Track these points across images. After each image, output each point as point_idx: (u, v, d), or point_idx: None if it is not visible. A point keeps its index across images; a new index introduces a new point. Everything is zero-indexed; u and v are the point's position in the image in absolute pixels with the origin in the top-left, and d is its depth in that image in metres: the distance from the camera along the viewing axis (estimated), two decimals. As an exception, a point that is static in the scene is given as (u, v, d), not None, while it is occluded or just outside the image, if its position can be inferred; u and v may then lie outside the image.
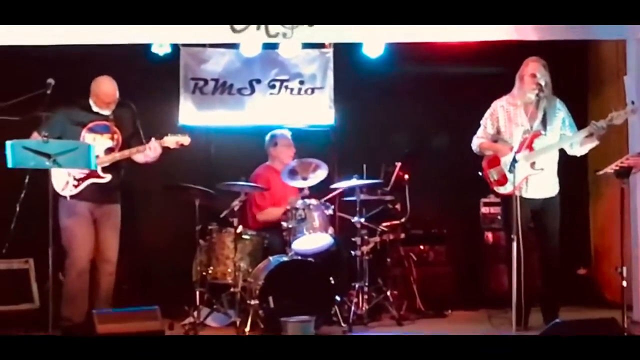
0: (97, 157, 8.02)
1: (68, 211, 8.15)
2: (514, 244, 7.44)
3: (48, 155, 7.21)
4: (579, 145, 8.09)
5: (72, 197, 8.12)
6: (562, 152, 8.21)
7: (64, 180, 8.12)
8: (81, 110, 8.26)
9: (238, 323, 8.35)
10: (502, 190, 8.15)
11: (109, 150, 8.24)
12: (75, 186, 8.14)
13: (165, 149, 8.26)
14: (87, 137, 8.17)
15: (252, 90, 9.95)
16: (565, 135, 8.08)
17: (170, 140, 8.25)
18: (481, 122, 8.34)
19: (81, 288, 8.17)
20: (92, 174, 8.12)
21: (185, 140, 8.31)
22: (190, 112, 9.81)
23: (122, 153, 8.21)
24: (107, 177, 8.19)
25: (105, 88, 8.23)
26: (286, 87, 10.02)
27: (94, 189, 8.18)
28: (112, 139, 8.27)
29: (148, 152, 8.18)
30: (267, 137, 9.48)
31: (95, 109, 8.26)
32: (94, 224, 8.24)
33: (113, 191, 8.33)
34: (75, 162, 7.53)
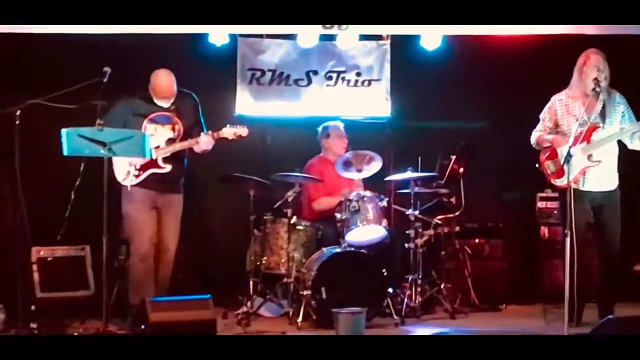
0: (157, 147, 8.11)
1: (130, 198, 8.21)
2: (567, 239, 7.24)
3: (103, 144, 7.22)
4: (638, 139, 7.91)
5: (132, 186, 8.17)
6: (621, 146, 8.03)
7: (125, 170, 8.16)
8: (142, 101, 8.29)
9: (291, 313, 8.32)
10: (559, 182, 7.97)
11: (170, 141, 8.26)
12: (136, 176, 8.17)
13: (223, 140, 8.25)
14: (148, 127, 8.21)
15: (309, 82, 9.87)
16: (624, 129, 7.91)
17: (229, 132, 8.28)
18: (540, 116, 8.20)
19: (146, 273, 8.21)
20: (152, 164, 8.16)
21: (243, 131, 8.32)
22: (247, 103, 9.75)
23: (182, 144, 8.24)
24: (167, 168, 8.21)
25: (161, 82, 8.24)
26: (343, 79, 9.93)
27: (156, 178, 8.21)
28: (173, 130, 8.29)
29: (200, 145, 8.20)
30: (320, 129, 9.38)
31: (155, 101, 8.28)
32: (156, 212, 8.28)
33: (175, 181, 8.35)
34: (130, 151, 7.54)
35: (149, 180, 8.19)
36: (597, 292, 8.09)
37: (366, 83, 9.96)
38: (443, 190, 9.31)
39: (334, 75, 9.91)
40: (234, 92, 9.70)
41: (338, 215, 8.55)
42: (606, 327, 6.49)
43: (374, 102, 9.97)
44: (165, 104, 8.27)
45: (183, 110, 8.34)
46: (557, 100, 8.10)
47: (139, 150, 7.52)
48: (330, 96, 9.91)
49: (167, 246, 8.31)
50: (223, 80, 9.63)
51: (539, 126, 8.16)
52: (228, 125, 8.30)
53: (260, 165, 9.31)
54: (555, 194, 8.71)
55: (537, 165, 8.17)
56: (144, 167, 8.16)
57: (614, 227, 7.97)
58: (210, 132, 8.25)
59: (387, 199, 8.76)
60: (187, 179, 8.53)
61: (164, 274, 8.33)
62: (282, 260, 8.64)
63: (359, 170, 8.73)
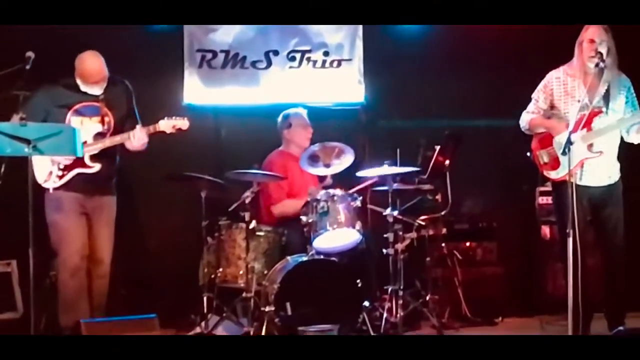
0: (84, 143, 8.04)
1: (54, 204, 8.17)
2: (570, 240, 7.28)
3: (27, 141, 7.14)
4: (635, 132, 7.92)
5: (56, 189, 8.14)
6: (622, 132, 8.11)
7: (46, 170, 8.13)
8: (66, 89, 8.25)
9: (252, 333, 8.32)
10: (553, 175, 7.98)
11: (99, 136, 8.24)
12: (60, 177, 8.14)
13: (161, 134, 8.27)
14: (73, 120, 8.17)
15: (269, 64, 9.93)
16: (624, 118, 7.95)
17: (166, 125, 8.25)
18: (532, 95, 8.18)
19: (78, 290, 8.19)
20: (78, 163, 8.12)
21: (184, 124, 8.30)
22: (197, 89, 9.80)
23: (113, 139, 8.21)
24: (96, 167, 8.18)
25: (89, 65, 8.21)
26: (308, 60, 9.99)
27: (83, 179, 8.18)
28: (103, 122, 8.26)
29: (132, 142, 8.19)
30: (280, 118, 9.43)
31: (82, 88, 8.25)
32: (86, 218, 8.25)
33: (106, 181, 8.33)
34: (59, 149, 7.48)
35: (75, 182, 8.16)
36: (604, 300, 8.15)
37: (335, 64, 10.03)
38: (426, 187, 9.37)
39: (298, 56, 9.97)
40: (181, 77, 9.75)
41: (304, 219, 8.56)
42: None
43: (345, 85, 10.04)
44: (97, 90, 8.24)
45: (114, 100, 8.32)
46: (555, 79, 8.07)
47: (69, 148, 7.46)
48: (293, 80, 9.97)
49: (101, 257, 8.30)
50: (168, 64, 9.68)
51: (531, 107, 8.16)
52: (166, 118, 8.27)
53: (213, 162, 9.39)
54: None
55: (528, 154, 8.22)
56: (68, 167, 8.14)
57: (616, 224, 7.97)
58: (143, 126, 8.24)
59: (361, 198, 8.77)
60: (126, 179, 8.59)
61: (99, 290, 8.31)
62: (241, 272, 8.65)
63: (327, 165, 8.78)
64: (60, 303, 8.23)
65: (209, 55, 9.82)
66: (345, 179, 9.08)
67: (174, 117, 8.29)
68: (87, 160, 8.16)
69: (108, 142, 8.21)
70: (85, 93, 8.24)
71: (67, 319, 8.06)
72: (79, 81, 8.24)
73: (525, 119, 8.16)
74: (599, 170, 7.91)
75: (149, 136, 8.22)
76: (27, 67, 7.62)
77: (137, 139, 8.16)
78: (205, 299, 8.51)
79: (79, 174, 8.17)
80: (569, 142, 7.33)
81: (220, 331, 8.65)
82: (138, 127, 8.19)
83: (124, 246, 8.57)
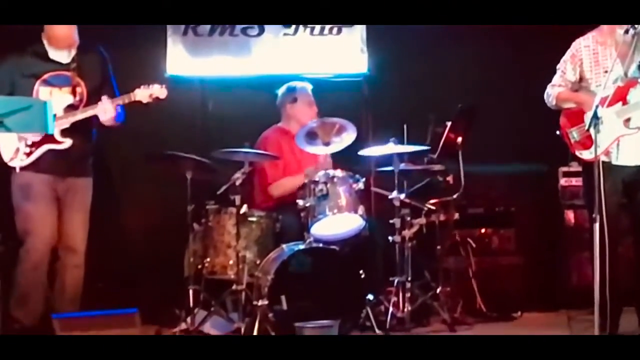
0: (54, 116, 7.95)
1: (22, 187, 8.15)
2: (596, 226, 7.22)
3: (-7, 117, 7.15)
4: None
5: (23, 168, 8.08)
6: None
7: (13, 147, 8.09)
8: (34, 57, 8.21)
9: (243, 330, 8.30)
10: (586, 155, 7.88)
11: (70, 108, 8.18)
12: (28, 154, 8.09)
13: (137, 104, 8.19)
14: (41, 90, 8.15)
15: (261, 30, 9.92)
16: None
17: (143, 94, 8.19)
18: (558, 66, 8.13)
19: (36, 284, 8.18)
20: (48, 138, 8.05)
21: (161, 92, 8.25)
22: (181, 59, 9.81)
23: (85, 111, 8.14)
24: (67, 142, 8.12)
25: (59, 28, 8.14)
26: (305, 26, 9.94)
27: (54, 157, 8.13)
28: (74, 93, 8.22)
29: (99, 115, 8.13)
30: (283, 90, 9.41)
31: (51, 55, 8.20)
32: (57, 203, 8.21)
33: (80, 161, 8.29)
34: (29, 125, 7.38)
35: (46, 161, 8.11)
36: (636, 292, 8.09)
37: (335, 30, 10.01)
38: (437, 167, 9.34)
39: (293, 21, 9.93)
40: (164, 46, 9.74)
41: (301, 202, 8.53)
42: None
43: (346, 54, 10.03)
44: (65, 57, 8.21)
45: (86, 68, 8.28)
46: (584, 47, 8.01)
47: (39, 124, 7.37)
48: (288, 48, 9.97)
49: (74, 245, 8.27)
50: (149, 31, 9.57)
51: (557, 79, 8.09)
52: (142, 87, 8.20)
53: (200, 140, 9.37)
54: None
55: (557, 133, 8.13)
56: (37, 143, 8.08)
57: None
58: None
59: (364, 180, 8.71)
60: (102, 158, 8.55)
61: (73, 281, 8.30)
62: (230, 262, 8.60)
63: (327, 144, 8.72)
64: (15, 294, 8.17)
65: (195, 21, 9.78)
66: (347, 159, 9.05)
67: (150, 85, 8.21)
68: (57, 136, 8.10)
69: (80, 114, 8.14)
70: (54, 61, 8.21)
71: (19, 311, 8.07)
72: (46, 44, 8.20)
73: (552, 93, 8.08)
74: (637, 147, 7.81)
75: (127, 109, 8.20)
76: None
77: (101, 110, 8.09)
78: (191, 292, 8.49)
79: (49, 151, 8.11)
80: (595, 117, 7.24)
81: (207, 327, 8.65)
82: (104, 98, 8.11)
83: (100, 234, 8.59)
